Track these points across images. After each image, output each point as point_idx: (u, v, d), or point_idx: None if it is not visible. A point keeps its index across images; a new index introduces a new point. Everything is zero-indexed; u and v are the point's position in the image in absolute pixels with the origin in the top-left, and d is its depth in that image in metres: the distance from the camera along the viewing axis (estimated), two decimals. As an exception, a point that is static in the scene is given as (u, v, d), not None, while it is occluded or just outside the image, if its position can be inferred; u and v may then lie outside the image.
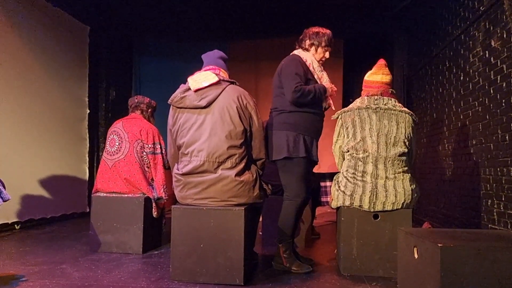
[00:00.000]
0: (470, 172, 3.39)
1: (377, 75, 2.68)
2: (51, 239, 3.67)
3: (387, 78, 2.68)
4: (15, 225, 4.13)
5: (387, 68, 2.71)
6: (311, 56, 2.74)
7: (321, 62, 2.78)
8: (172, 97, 2.56)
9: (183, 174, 2.47)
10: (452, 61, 3.83)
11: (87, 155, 5.47)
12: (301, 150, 2.58)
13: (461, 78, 3.59)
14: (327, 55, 2.77)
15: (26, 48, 4.36)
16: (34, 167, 4.41)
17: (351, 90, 6.52)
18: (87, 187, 5.40)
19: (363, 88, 2.74)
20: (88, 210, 5.30)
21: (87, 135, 5.48)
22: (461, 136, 3.59)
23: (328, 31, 2.75)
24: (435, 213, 4.29)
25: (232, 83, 2.57)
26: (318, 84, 2.67)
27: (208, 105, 2.45)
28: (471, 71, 3.39)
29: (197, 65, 6.62)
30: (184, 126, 2.50)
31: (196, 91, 2.47)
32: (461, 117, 3.59)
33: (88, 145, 5.49)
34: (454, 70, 3.76)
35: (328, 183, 3.57)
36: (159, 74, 6.56)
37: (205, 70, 2.61)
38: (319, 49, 2.74)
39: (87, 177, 5.45)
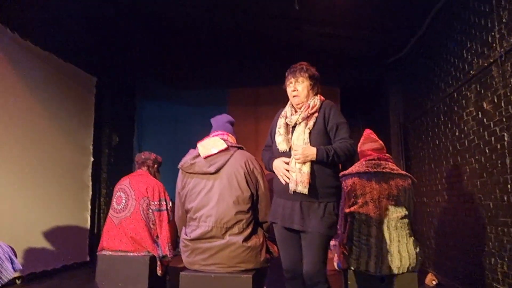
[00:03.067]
0: (471, 227, 3.45)
1: (367, 144, 2.87)
2: (53, 298, 3.61)
3: (376, 144, 2.84)
4: (16, 280, 4.07)
5: (373, 136, 2.90)
6: (288, 105, 2.51)
7: (296, 101, 2.42)
8: (182, 162, 2.64)
9: (191, 240, 2.51)
10: (446, 116, 3.98)
11: (89, 202, 5.49)
12: (269, 215, 2.49)
13: (456, 133, 3.73)
14: (289, 90, 2.44)
15: (35, 100, 4.48)
16: (36, 216, 4.41)
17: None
18: (88, 236, 5.39)
19: (360, 157, 2.86)
20: (88, 259, 5.27)
21: (90, 182, 5.53)
22: (460, 191, 3.68)
23: None
24: (438, 264, 4.31)
25: (239, 148, 2.66)
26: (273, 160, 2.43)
27: (217, 171, 2.53)
28: (465, 128, 3.53)
29: (198, 111, 6.72)
30: (193, 191, 2.57)
31: (205, 157, 2.56)
32: (459, 171, 3.69)
33: (90, 192, 5.53)
34: (449, 125, 3.90)
35: None
36: (161, 119, 6.71)
37: (214, 136, 2.70)
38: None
39: (88, 225, 5.45)
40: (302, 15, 4.34)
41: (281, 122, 2.47)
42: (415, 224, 4.83)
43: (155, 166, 3.64)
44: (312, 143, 2.31)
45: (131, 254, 3.22)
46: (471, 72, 3.37)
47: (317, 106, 2.40)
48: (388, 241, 2.59)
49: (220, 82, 6.46)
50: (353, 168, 2.80)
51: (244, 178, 2.52)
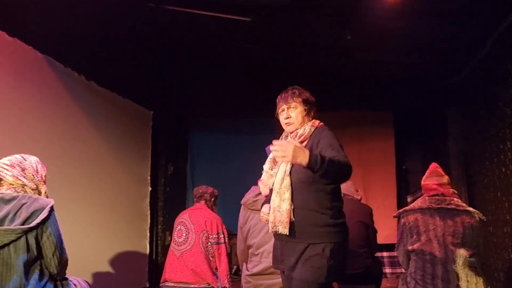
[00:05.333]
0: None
1: (432, 178, 2.77)
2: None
3: (443, 179, 2.73)
4: (83, 307, 4.29)
5: (439, 170, 2.79)
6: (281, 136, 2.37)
7: (290, 128, 2.24)
8: (244, 199, 2.74)
9: (253, 275, 2.57)
10: (513, 143, 3.76)
11: (148, 230, 5.73)
12: None
13: (527, 162, 3.51)
14: (281, 119, 2.27)
15: (100, 137, 4.79)
16: (102, 246, 4.63)
17: (404, 157, 6.47)
18: (148, 262, 5.60)
19: (423, 192, 2.78)
20: (147, 285, 5.46)
21: (149, 211, 5.78)
22: (533, 223, 3.43)
23: None
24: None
25: None
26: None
27: (277, 208, 2.57)
28: (537, 157, 3.32)
29: (247, 139, 6.75)
30: (255, 227, 2.65)
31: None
32: (531, 202, 3.46)
33: (149, 220, 5.76)
34: (517, 153, 3.68)
35: (384, 253, 3.50)
36: (211, 148, 6.94)
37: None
38: None
39: (147, 252, 5.66)
40: (353, 44, 4.35)
41: (269, 156, 2.25)
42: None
43: (212, 199, 3.77)
44: (293, 178, 2.02)
45: (192, 286, 3.33)
46: (540, 98, 3.19)
47: (305, 134, 2.12)
48: (455, 282, 2.46)
49: (269, 110, 6.54)
50: (415, 204, 2.72)
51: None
